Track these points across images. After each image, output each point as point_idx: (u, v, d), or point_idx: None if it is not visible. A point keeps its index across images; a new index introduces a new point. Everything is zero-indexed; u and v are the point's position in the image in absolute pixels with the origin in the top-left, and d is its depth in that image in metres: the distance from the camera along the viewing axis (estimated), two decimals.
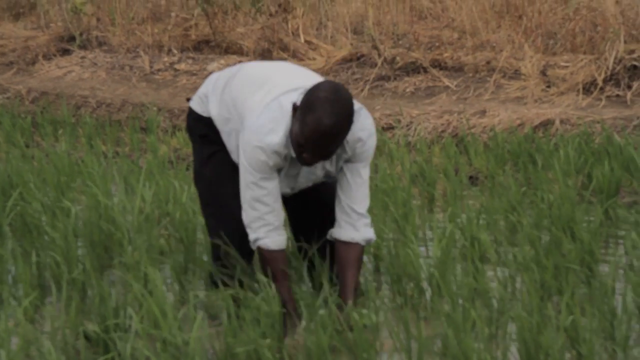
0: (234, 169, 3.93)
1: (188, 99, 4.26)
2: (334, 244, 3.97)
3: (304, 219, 4.14)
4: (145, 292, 3.93)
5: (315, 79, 3.87)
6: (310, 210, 4.10)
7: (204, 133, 4.09)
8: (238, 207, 3.88)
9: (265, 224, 3.81)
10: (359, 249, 3.91)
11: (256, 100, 3.81)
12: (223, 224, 3.98)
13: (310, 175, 3.88)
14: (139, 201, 4.99)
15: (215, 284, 4.08)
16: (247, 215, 3.83)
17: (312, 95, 3.59)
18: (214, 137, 4.02)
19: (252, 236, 3.84)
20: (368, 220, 3.93)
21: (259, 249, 3.84)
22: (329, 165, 3.87)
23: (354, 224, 3.89)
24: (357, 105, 3.77)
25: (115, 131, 7.39)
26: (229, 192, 3.95)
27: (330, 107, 3.54)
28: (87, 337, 3.80)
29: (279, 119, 3.69)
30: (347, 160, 3.84)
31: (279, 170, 3.81)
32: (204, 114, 4.07)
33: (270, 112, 3.72)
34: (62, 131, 7.46)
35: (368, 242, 3.95)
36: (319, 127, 3.54)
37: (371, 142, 3.85)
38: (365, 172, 3.88)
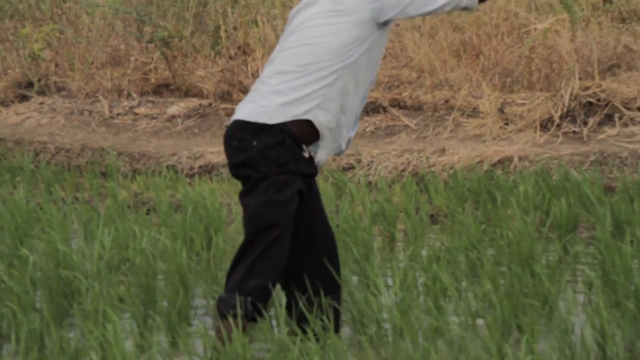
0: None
1: (228, 125, 4.01)
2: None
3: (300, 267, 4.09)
4: (104, 340, 3.90)
5: None
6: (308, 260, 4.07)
7: (284, 160, 3.88)
8: (286, 255, 3.90)
9: None
10: None
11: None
12: (273, 270, 3.91)
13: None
14: (98, 247, 4.96)
15: (223, 316, 3.93)
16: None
17: None
18: (294, 165, 3.88)
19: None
20: None
21: None
22: None
23: None
24: None
25: (74, 177, 7.36)
26: (287, 240, 3.90)
27: None
28: None
29: None
30: None
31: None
32: (287, 118, 3.90)
33: None
34: (20, 178, 7.41)
35: None
36: None
37: None
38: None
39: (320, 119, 3.91)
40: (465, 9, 3.93)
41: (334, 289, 4.09)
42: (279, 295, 4.14)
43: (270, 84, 3.92)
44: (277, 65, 3.97)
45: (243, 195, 3.92)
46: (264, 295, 3.87)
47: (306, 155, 3.94)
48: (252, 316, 3.86)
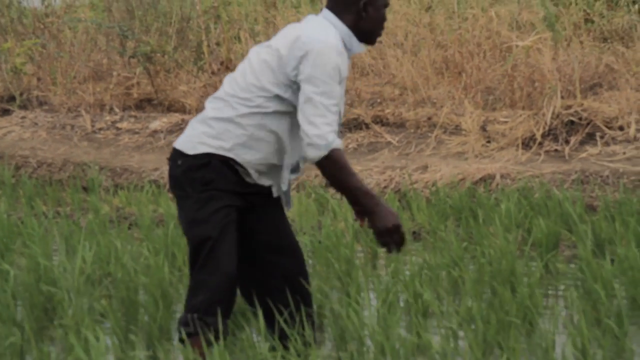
0: (234, 226, 3.87)
1: (169, 157, 4.04)
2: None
3: (254, 279, 4.08)
4: (85, 354, 3.88)
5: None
6: (265, 275, 4.05)
7: (209, 179, 3.87)
8: (231, 265, 3.83)
9: (334, 130, 3.76)
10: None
11: (284, 45, 3.83)
12: (216, 282, 3.86)
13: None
14: (80, 262, 4.94)
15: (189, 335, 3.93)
16: (319, 123, 3.72)
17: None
18: (221, 183, 3.85)
19: (326, 140, 3.71)
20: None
21: (333, 152, 3.72)
22: None
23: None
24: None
25: (56, 191, 7.33)
26: (226, 251, 3.85)
27: None
28: None
29: (326, 25, 3.83)
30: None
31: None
32: (215, 152, 3.86)
33: (313, 23, 3.85)
34: (2, 192, 7.38)
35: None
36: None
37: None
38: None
39: (247, 158, 3.88)
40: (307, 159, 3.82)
41: (307, 304, 4.07)
42: (258, 311, 4.13)
43: (205, 111, 3.97)
44: (217, 91, 4.02)
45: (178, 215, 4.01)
46: (212, 311, 3.82)
47: (252, 179, 3.91)
48: (200, 332, 3.81)
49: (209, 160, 3.85)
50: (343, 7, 3.86)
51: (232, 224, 3.86)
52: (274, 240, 4.01)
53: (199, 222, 3.86)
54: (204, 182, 3.86)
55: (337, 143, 3.74)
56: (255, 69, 3.88)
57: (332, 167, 3.77)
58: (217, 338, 3.80)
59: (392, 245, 3.81)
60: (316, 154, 3.73)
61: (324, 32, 3.80)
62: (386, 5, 3.89)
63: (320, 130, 3.72)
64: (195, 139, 3.88)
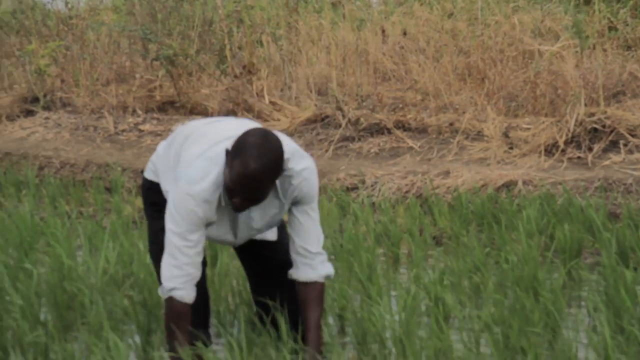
0: None
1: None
2: (293, 304, 3.99)
3: (264, 282, 4.14)
4: (108, 354, 3.90)
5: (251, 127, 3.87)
6: (269, 272, 4.10)
7: (154, 200, 4.10)
8: None
9: (184, 275, 3.77)
10: (318, 287, 3.92)
11: (191, 153, 3.86)
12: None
13: (250, 222, 3.89)
14: (103, 262, 4.97)
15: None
16: (165, 264, 3.79)
17: (241, 140, 3.64)
18: (163, 205, 3.96)
19: (167, 285, 3.77)
20: (324, 256, 3.94)
21: (171, 300, 3.78)
22: (266, 214, 3.88)
23: (310, 264, 3.91)
24: (292, 147, 3.82)
25: (79, 191, 7.36)
26: None
27: (256, 151, 3.59)
28: None
29: (210, 167, 3.73)
30: (296, 203, 3.86)
31: (209, 224, 3.82)
32: (154, 180, 4.12)
33: (202, 162, 3.76)
34: (26, 192, 7.42)
35: (327, 277, 3.96)
36: (245, 171, 3.58)
37: (315, 180, 3.89)
38: (314, 212, 3.91)
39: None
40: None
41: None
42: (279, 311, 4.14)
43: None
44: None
45: None
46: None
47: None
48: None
49: (152, 184, 4.12)
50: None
51: None
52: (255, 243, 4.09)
53: (150, 240, 4.14)
54: (151, 202, 4.14)
55: (178, 295, 3.75)
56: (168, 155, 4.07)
57: (166, 311, 3.84)
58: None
59: None
60: (160, 290, 3.85)
61: (200, 174, 3.71)
62: (232, 195, 3.67)
63: (164, 272, 3.80)
64: (149, 162, 4.19)
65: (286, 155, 3.73)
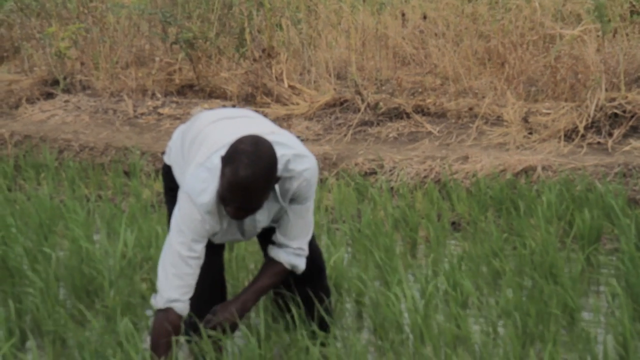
0: None
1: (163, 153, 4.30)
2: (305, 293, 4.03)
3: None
4: (126, 336, 3.91)
5: (252, 132, 3.80)
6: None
7: (173, 185, 4.12)
8: (205, 278, 3.91)
9: (185, 286, 3.74)
10: (282, 267, 3.92)
11: (193, 161, 3.85)
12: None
13: (256, 223, 3.89)
14: (121, 245, 4.98)
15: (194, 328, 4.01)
16: (165, 273, 3.75)
17: (232, 148, 3.63)
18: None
19: (167, 295, 3.72)
20: (302, 252, 3.94)
21: (167, 312, 3.72)
22: (271, 213, 3.88)
23: (286, 251, 3.92)
24: (294, 149, 3.79)
25: (98, 175, 7.38)
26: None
27: (247, 159, 3.57)
28: None
29: (210, 178, 3.72)
30: (292, 201, 3.85)
31: (214, 234, 3.83)
32: (167, 160, 4.20)
33: (202, 172, 3.75)
34: (45, 175, 7.44)
35: (293, 267, 3.95)
36: (235, 179, 3.56)
37: (314, 180, 3.87)
38: (307, 212, 3.90)
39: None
40: None
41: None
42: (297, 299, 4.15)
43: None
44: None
45: None
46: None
47: None
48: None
49: (170, 169, 4.16)
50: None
51: None
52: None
53: (169, 224, 4.02)
54: (170, 187, 4.16)
55: (179, 308, 3.71)
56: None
57: (157, 322, 3.77)
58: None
59: None
60: (154, 299, 3.81)
61: (202, 185, 3.71)
62: (225, 203, 3.66)
63: (163, 281, 3.75)
64: (167, 147, 4.24)
65: (287, 158, 3.73)
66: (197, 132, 3.99)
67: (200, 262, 3.78)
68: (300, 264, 3.94)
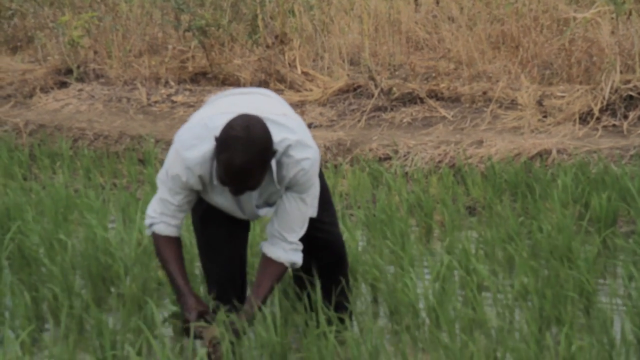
0: (216, 211, 3.96)
1: None
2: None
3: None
4: (142, 324, 3.92)
5: (262, 109, 3.82)
6: (306, 248, 4.09)
7: None
8: (227, 249, 3.96)
9: (163, 213, 3.86)
10: (281, 267, 3.92)
11: (196, 115, 3.90)
12: (214, 264, 4.01)
13: (251, 199, 3.89)
14: (137, 233, 4.99)
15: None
16: (151, 204, 3.91)
17: (224, 133, 3.63)
18: None
19: (147, 222, 3.89)
20: (299, 247, 3.93)
21: (152, 236, 3.89)
22: (269, 190, 3.88)
23: (283, 247, 3.90)
24: (300, 134, 3.78)
25: (112, 163, 7.40)
26: (216, 235, 4.00)
27: (240, 146, 3.57)
28: None
29: (203, 137, 3.73)
30: (288, 188, 3.84)
31: (200, 191, 3.85)
32: None
33: (197, 128, 3.77)
34: (60, 164, 7.46)
35: (292, 265, 3.95)
36: (231, 167, 3.59)
37: (313, 172, 3.84)
38: (304, 204, 3.87)
39: None
40: None
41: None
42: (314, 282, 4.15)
43: None
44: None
45: None
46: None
47: None
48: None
49: None
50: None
51: (209, 211, 3.97)
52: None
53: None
54: None
55: (157, 228, 3.86)
56: None
57: (154, 247, 3.95)
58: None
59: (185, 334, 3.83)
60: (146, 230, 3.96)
61: (194, 141, 3.74)
62: (225, 184, 3.68)
63: (147, 210, 3.91)
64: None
65: (289, 143, 3.72)
66: (208, 103, 4.02)
67: (182, 213, 3.88)
68: (299, 260, 3.93)
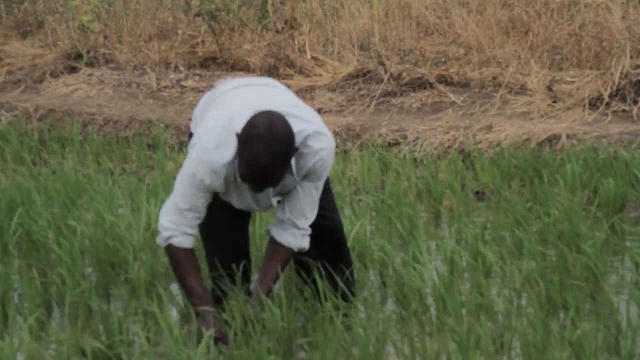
0: (216, 201, 3.95)
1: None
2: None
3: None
4: (150, 308, 3.94)
5: (275, 102, 3.82)
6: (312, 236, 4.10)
7: None
8: (230, 236, 3.97)
9: (180, 224, 3.83)
10: (289, 252, 3.94)
11: (209, 119, 3.86)
12: (218, 251, 4.03)
13: (269, 191, 3.91)
14: (145, 218, 5.00)
15: (217, 300, 4.06)
16: (165, 215, 3.86)
17: (247, 131, 3.62)
18: None
19: (164, 234, 3.85)
20: (307, 232, 3.95)
21: (168, 249, 3.86)
22: (285, 186, 3.89)
23: (292, 232, 3.93)
24: (315, 125, 3.78)
25: (122, 148, 7.41)
26: (218, 224, 4.00)
27: (264, 144, 3.57)
28: (86, 357, 3.81)
29: (226, 139, 3.72)
30: (304, 177, 3.85)
31: (224, 193, 3.85)
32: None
33: (217, 132, 3.75)
34: (69, 148, 7.48)
35: (300, 249, 3.97)
36: (254, 165, 3.60)
37: (330, 161, 3.86)
38: (316, 190, 3.89)
39: None
40: None
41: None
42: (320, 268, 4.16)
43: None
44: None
45: None
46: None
47: None
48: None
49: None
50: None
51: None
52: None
53: None
54: None
55: (176, 241, 3.83)
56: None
57: (169, 259, 3.92)
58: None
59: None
60: (157, 239, 3.92)
61: (217, 144, 3.72)
62: (246, 182, 3.70)
63: (162, 220, 3.87)
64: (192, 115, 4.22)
65: (307, 133, 3.73)
66: (218, 95, 4.00)
67: (199, 220, 3.85)
68: (307, 245, 3.96)
